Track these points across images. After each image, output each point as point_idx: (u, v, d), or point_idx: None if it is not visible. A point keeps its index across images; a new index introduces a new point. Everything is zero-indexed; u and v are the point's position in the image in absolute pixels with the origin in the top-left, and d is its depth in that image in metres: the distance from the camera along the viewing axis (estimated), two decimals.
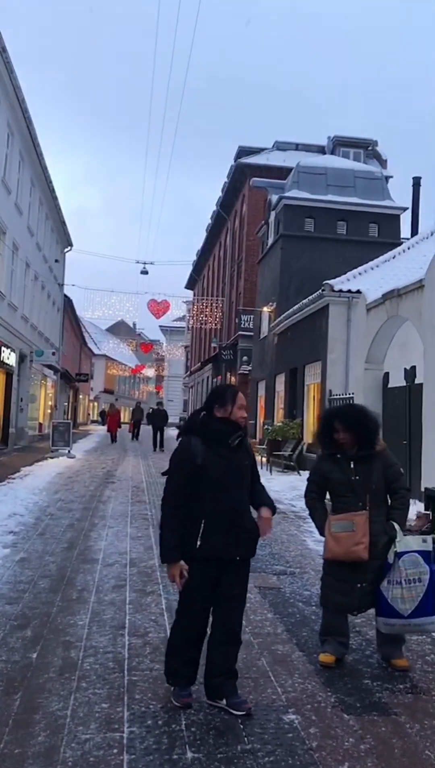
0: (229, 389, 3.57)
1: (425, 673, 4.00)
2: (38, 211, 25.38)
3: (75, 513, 9.34)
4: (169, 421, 26.49)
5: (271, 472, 16.39)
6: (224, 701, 3.34)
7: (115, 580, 5.79)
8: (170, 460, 3.50)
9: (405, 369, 11.95)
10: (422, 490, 10.41)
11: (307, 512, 4.39)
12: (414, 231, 23.44)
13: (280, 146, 32.43)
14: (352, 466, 3.98)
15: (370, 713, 3.41)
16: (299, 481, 12.77)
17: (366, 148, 29.72)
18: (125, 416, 44.89)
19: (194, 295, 49.44)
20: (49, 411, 30.68)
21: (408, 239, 21.06)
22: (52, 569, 6.11)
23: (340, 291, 16.56)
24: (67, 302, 35.90)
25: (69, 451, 19.09)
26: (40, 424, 28.37)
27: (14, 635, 4.32)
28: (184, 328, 59.78)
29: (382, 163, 29.77)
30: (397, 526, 3.91)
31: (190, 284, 54.18)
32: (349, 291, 16.38)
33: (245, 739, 3.07)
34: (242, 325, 29.47)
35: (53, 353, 28.08)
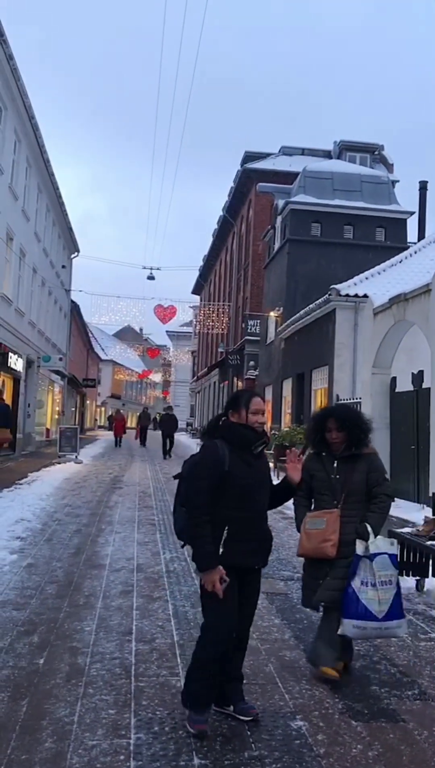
0: (244, 393, 3.48)
1: (433, 680, 3.97)
2: (45, 218, 25.49)
3: (82, 518, 9.34)
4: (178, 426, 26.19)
5: (278, 477, 16.35)
6: (232, 707, 3.32)
7: (122, 586, 5.78)
8: (192, 463, 3.39)
9: (412, 374, 11.91)
10: (430, 494, 10.37)
11: None
12: (421, 235, 23.39)
13: (286, 151, 32.50)
14: (335, 464, 3.97)
15: (378, 720, 3.38)
16: None
17: (372, 153, 29.74)
18: (131, 422, 44.94)
19: (201, 300, 49.50)
20: (56, 416, 30.74)
21: (415, 243, 21.04)
22: (60, 575, 6.11)
23: (347, 295, 16.56)
24: (74, 308, 36.00)
25: (76, 457, 19.11)
26: (48, 430, 28.42)
27: (21, 641, 4.32)
28: (190, 333, 59.86)
29: (389, 167, 29.77)
30: (369, 528, 3.88)
31: (197, 289, 54.25)
32: (356, 295, 16.37)
33: (252, 745, 3.05)
34: (249, 330, 29.50)
35: (60, 359, 28.14)
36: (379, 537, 3.89)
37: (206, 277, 50.05)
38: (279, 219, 24.47)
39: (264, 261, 27.77)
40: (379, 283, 16.19)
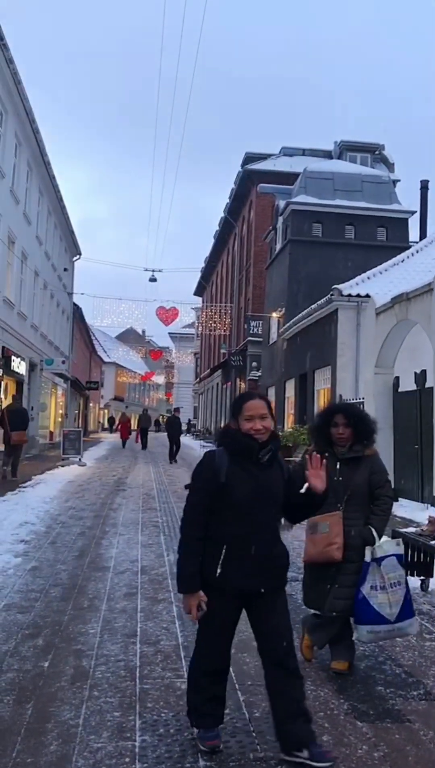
0: (241, 397, 3.17)
1: None
2: (47, 221, 25.53)
3: (86, 521, 9.35)
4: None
5: None
6: (305, 752, 2.85)
7: (126, 588, 5.78)
8: (192, 474, 3.13)
9: (415, 373, 11.90)
10: (434, 494, 10.37)
11: None
12: (422, 234, 23.38)
13: (287, 152, 32.51)
14: (338, 466, 3.95)
15: (383, 720, 3.38)
16: None
17: (373, 153, 29.73)
18: (135, 424, 44.94)
19: (203, 302, 49.52)
20: (59, 419, 30.77)
21: (416, 243, 21.02)
22: (64, 577, 6.11)
23: (349, 295, 16.55)
24: (77, 310, 36.05)
25: (80, 459, 19.13)
26: (51, 432, 28.46)
27: (26, 644, 4.32)
28: (193, 334, 59.88)
29: (390, 167, 29.76)
30: (374, 532, 3.87)
31: (199, 291, 54.28)
32: (358, 295, 16.36)
33: (258, 747, 3.05)
34: (251, 331, 29.50)
35: (63, 361, 28.19)
36: (384, 539, 3.89)
37: (208, 278, 50.07)
38: (280, 220, 24.48)
39: (265, 262, 27.77)
40: (381, 283, 16.19)
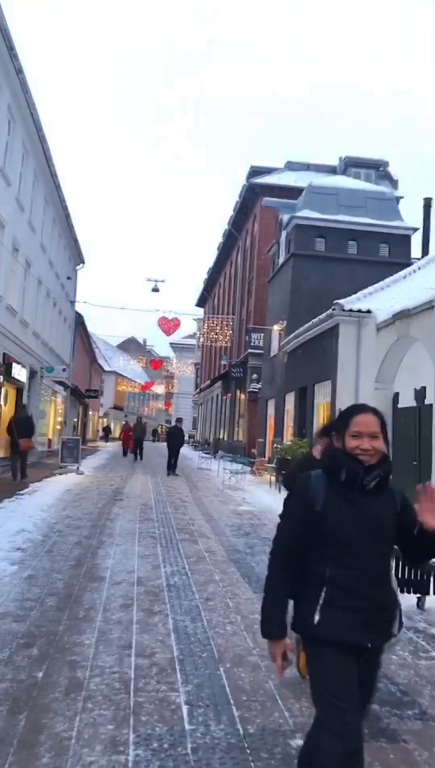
0: (349, 409, 2.67)
1: (434, 699, 3.94)
2: (51, 229, 25.62)
3: (83, 530, 9.32)
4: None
5: (280, 491, 16.30)
6: None
7: (122, 599, 5.77)
8: (284, 500, 2.74)
9: (415, 389, 11.92)
10: None
11: None
12: (425, 251, 23.47)
13: (292, 166, 32.70)
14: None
15: (378, 739, 3.36)
16: None
17: (377, 169, 29.92)
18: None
19: (205, 313, 49.64)
20: (58, 427, 30.73)
21: (419, 260, 21.10)
22: (59, 587, 6.09)
23: (351, 311, 16.58)
24: (79, 319, 36.12)
25: (78, 468, 19.09)
26: (50, 440, 28.40)
27: (20, 653, 4.31)
28: (194, 345, 59.95)
29: (394, 183, 29.94)
30: None
31: (201, 302, 54.42)
32: (360, 311, 16.40)
33: (252, 764, 3.04)
34: (252, 344, 29.53)
35: (64, 369, 28.18)
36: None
37: (210, 290, 50.22)
38: (284, 233, 24.58)
39: (268, 275, 27.86)
40: (382, 299, 16.23)
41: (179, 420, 23.18)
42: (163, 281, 31.75)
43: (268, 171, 32.39)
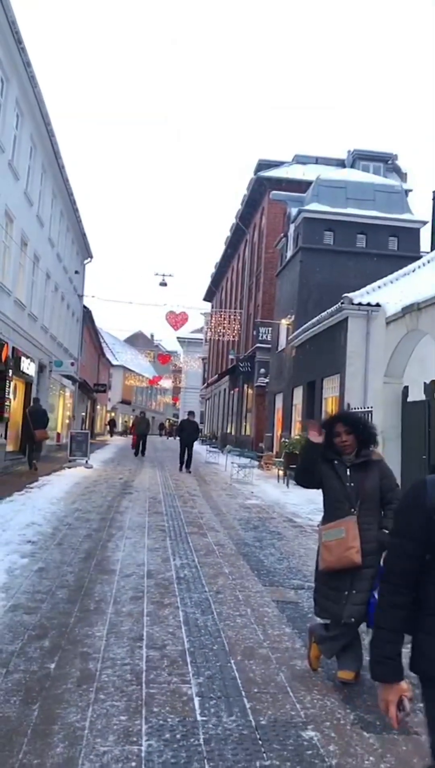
0: None
1: None
2: (59, 223, 25.63)
3: (92, 523, 9.35)
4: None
5: (287, 485, 16.32)
6: None
7: (132, 592, 5.78)
8: (395, 513, 2.47)
9: (425, 383, 11.87)
10: None
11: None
12: (434, 245, 23.35)
13: (300, 160, 32.57)
14: (348, 473, 4.00)
15: (390, 732, 3.36)
16: (317, 494, 12.70)
17: (386, 162, 29.74)
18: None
19: (212, 307, 49.60)
20: (67, 421, 30.81)
21: (428, 253, 20.99)
22: (70, 579, 6.12)
23: (360, 304, 16.54)
24: (87, 313, 36.16)
25: (87, 462, 19.15)
26: (58, 434, 28.49)
27: (32, 645, 4.33)
28: (201, 339, 59.94)
29: (402, 176, 29.76)
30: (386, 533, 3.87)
31: (209, 296, 54.37)
32: (369, 304, 16.35)
33: (264, 755, 3.04)
34: (260, 338, 29.51)
35: (72, 363, 28.25)
36: None
37: (218, 284, 50.15)
38: (292, 227, 24.51)
39: (276, 269, 27.79)
40: (391, 293, 16.16)
41: (191, 413, 21.74)
42: (170, 275, 31.71)
43: (277, 164, 32.27)
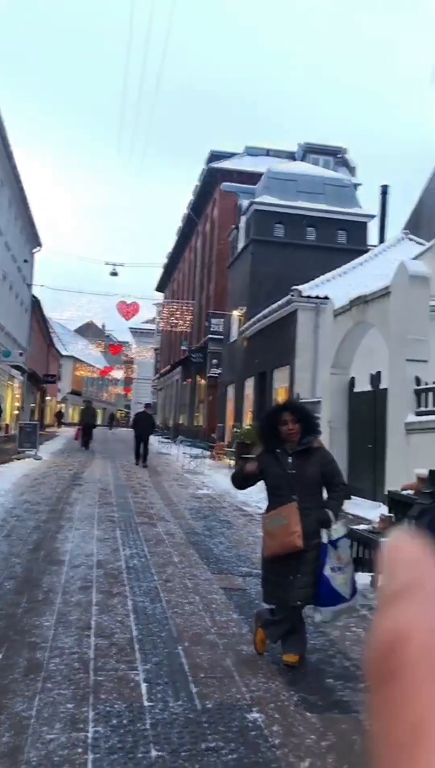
0: None
1: None
2: (7, 211, 25.14)
3: (41, 515, 9.28)
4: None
5: None
6: None
7: (81, 582, 5.79)
8: None
9: (371, 374, 12.13)
10: (386, 493, 10.58)
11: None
12: (382, 238, 23.78)
13: (251, 151, 32.65)
14: (290, 460, 4.13)
15: (331, 711, 3.48)
16: None
17: (335, 156, 30.08)
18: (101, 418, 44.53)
19: (164, 298, 49.41)
20: (15, 412, 30.35)
21: (375, 246, 21.37)
22: (18, 571, 6.08)
23: (309, 297, 16.75)
24: (35, 303, 35.59)
25: (36, 453, 18.92)
26: (7, 425, 28.05)
27: None
28: (153, 330, 59.66)
29: (351, 170, 30.16)
30: (331, 514, 4.02)
31: (161, 287, 54.13)
32: (317, 297, 16.57)
33: (209, 737, 3.11)
34: (212, 329, 29.55)
35: (20, 354, 27.83)
36: (338, 524, 4.04)
37: (170, 274, 49.98)
38: (243, 219, 24.59)
39: (228, 260, 27.86)
40: (340, 285, 16.41)
41: (148, 405, 20.88)
42: (121, 265, 31.40)
43: (228, 156, 32.29)
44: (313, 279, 17.68)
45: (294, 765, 2.92)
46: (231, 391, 25.59)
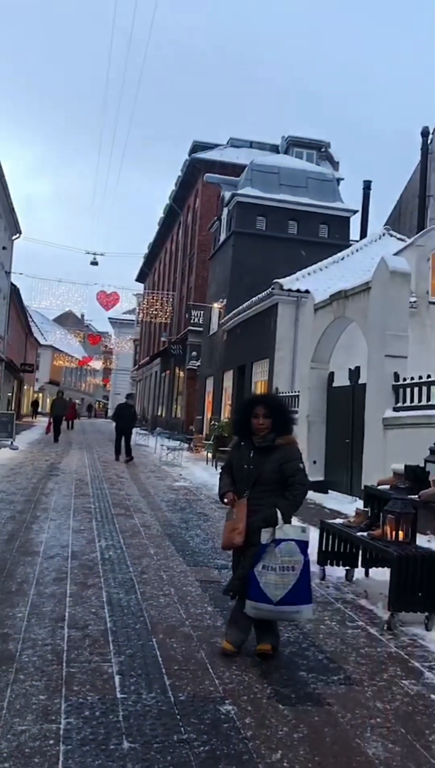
0: None
1: (358, 665, 4.12)
2: None
3: (16, 505, 9.21)
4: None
5: (216, 467, 16.48)
6: None
7: (55, 573, 5.75)
8: None
9: (349, 369, 12.20)
10: (362, 487, 10.67)
11: None
12: (363, 233, 23.90)
13: (235, 143, 32.58)
14: (251, 455, 4.13)
15: (304, 703, 3.49)
16: None
17: (319, 150, 30.13)
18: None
19: (145, 288, 49.18)
20: None
21: (357, 241, 21.46)
22: None
23: (289, 290, 16.79)
24: (14, 291, 35.23)
25: (12, 443, 18.78)
26: None
27: None
28: (133, 321, 59.39)
29: (334, 165, 30.23)
30: (279, 514, 4.01)
31: (141, 277, 53.88)
32: (298, 291, 16.61)
33: (181, 729, 3.11)
34: (192, 321, 29.52)
35: None
36: (288, 524, 4.02)
37: (151, 265, 49.75)
38: (225, 211, 24.54)
39: (209, 252, 27.79)
40: (320, 280, 16.47)
41: (130, 396, 19.78)
42: (102, 254, 31.24)
43: (211, 146, 32.19)
44: (294, 273, 17.72)
45: (266, 756, 2.92)
46: (210, 383, 25.59)
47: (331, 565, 6.18)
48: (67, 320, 73.86)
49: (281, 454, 4.09)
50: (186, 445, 21.12)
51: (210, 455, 17.99)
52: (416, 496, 6.71)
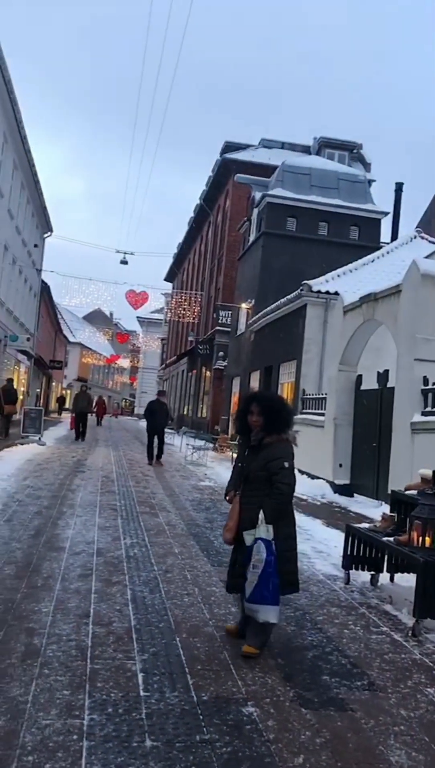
0: None
1: (382, 671, 4.08)
2: (19, 195, 25.11)
3: (43, 500, 9.30)
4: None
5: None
6: None
7: (81, 569, 5.80)
8: None
9: (378, 372, 12.10)
10: (389, 492, 10.58)
11: None
12: (394, 236, 23.67)
13: (266, 144, 32.52)
14: (246, 453, 4.23)
15: (327, 708, 3.47)
16: None
17: (351, 151, 29.94)
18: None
19: (173, 288, 49.35)
20: (21, 397, 30.41)
21: (388, 244, 21.27)
22: (18, 556, 6.09)
23: (319, 292, 16.70)
24: (45, 288, 35.61)
25: (39, 438, 18.97)
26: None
27: None
28: (161, 320, 59.65)
29: (366, 166, 30.02)
30: (261, 515, 4.05)
31: (170, 277, 54.07)
32: (327, 292, 16.51)
33: (204, 729, 3.11)
34: (220, 321, 29.54)
35: (28, 339, 27.84)
36: (264, 525, 4.07)
37: (180, 264, 49.89)
38: (255, 211, 24.51)
39: (238, 252, 27.78)
40: (350, 282, 16.36)
41: (161, 393, 18.28)
42: (132, 254, 31.42)
43: (243, 147, 32.18)
44: (323, 274, 17.63)
45: (288, 760, 2.91)
46: (236, 384, 25.57)
47: (357, 569, 6.14)
48: (96, 318, 74.42)
49: (268, 453, 4.12)
50: (211, 445, 21.14)
51: (235, 455, 17.98)
52: None
